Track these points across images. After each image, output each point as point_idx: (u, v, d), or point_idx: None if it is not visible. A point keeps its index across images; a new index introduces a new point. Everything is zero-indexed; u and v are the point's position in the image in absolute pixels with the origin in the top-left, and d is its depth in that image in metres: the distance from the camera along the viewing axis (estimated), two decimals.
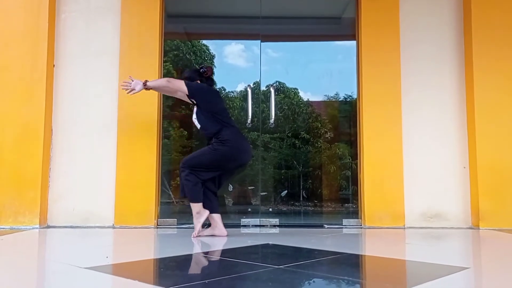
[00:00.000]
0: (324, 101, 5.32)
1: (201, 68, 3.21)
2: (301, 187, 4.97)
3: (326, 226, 3.73)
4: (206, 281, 1.69)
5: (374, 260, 2.27)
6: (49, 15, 3.62)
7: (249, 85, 3.99)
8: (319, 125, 5.23)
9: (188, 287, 1.57)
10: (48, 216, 3.58)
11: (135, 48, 3.70)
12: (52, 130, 3.66)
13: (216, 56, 5.31)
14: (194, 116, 3.15)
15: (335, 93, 5.12)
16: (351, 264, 2.19)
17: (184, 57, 5.18)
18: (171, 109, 4.95)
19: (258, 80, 4.31)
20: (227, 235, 3.00)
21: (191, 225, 3.65)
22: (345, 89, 4.96)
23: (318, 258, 2.27)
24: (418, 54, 3.81)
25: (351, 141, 4.50)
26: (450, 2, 3.89)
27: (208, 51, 5.30)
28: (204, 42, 5.34)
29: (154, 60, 3.69)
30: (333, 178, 5.12)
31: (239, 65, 5.28)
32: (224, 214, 5.03)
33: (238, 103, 5.13)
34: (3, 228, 3.38)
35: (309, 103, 5.23)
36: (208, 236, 3.00)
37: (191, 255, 2.29)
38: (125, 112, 3.64)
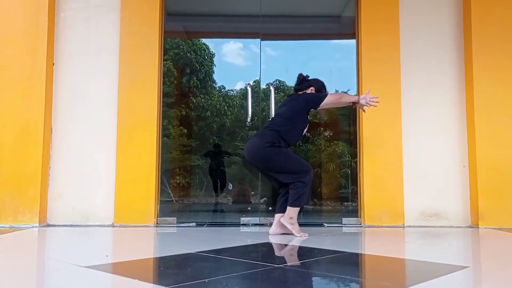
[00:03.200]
0: None
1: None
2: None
3: (325, 225, 3.74)
4: (206, 280, 1.69)
5: (373, 259, 2.27)
6: (48, 14, 3.61)
7: (249, 84, 3.99)
8: (318, 123, 5.23)
9: (188, 286, 1.58)
10: (48, 214, 3.57)
11: (135, 46, 3.69)
12: (51, 128, 3.65)
13: (216, 54, 5.31)
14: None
15: (334, 91, 5.12)
16: (351, 263, 2.19)
17: (184, 55, 5.18)
18: (170, 107, 4.96)
19: (258, 79, 4.31)
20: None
21: (190, 224, 3.66)
22: (344, 87, 4.96)
23: (317, 257, 2.27)
24: (418, 52, 3.81)
25: (351, 139, 4.50)
26: None
27: (208, 49, 5.30)
28: (204, 40, 5.34)
29: (154, 58, 3.68)
30: (333, 177, 5.12)
31: (238, 63, 5.28)
32: (224, 213, 5.05)
33: (238, 102, 5.13)
34: (3, 227, 3.38)
35: None
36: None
37: (191, 254, 2.30)
38: (125, 111, 3.64)
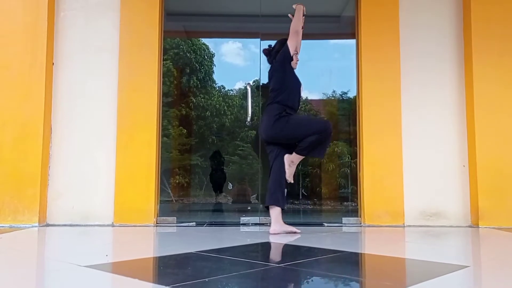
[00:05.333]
0: (323, 99, 5.33)
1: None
2: (300, 186, 4.98)
3: (325, 224, 3.73)
4: (206, 279, 1.68)
5: (373, 258, 2.27)
6: (48, 13, 3.60)
7: (248, 83, 3.98)
8: None
9: (188, 285, 1.57)
10: (48, 214, 3.57)
11: (134, 46, 3.69)
12: (51, 128, 3.65)
13: (215, 54, 5.31)
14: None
15: (334, 91, 5.13)
16: (351, 262, 2.18)
17: (184, 55, 5.18)
18: (170, 106, 4.95)
19: (257, 78, 4.31)
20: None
21: (190, 224, 3.66)
22: (344, 87, 4.97)
23: (317, 257, 2.27)
24: (417, 51, 3.81)
25: (350, 139, 4.51)
26: None
27: (208, 49, 5.31)
28: (204, 40, 5.34)
29: (154, 58, 3.68)
30: (333, 177, 5.13)
31: (238, 63, 5.29)
32: (224, 213, 5.05)
33: (237, 101, 5.13)
34: (2, 227, 3.37)
35: (308, 101, 5.23)
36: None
37: (190, 253, 2.29)
38: (125, 110, 3.63)
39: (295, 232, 3.04)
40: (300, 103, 3.22)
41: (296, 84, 3.16)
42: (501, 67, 3.68)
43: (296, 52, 3.17)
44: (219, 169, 5.12)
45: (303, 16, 3.16)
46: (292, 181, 3.09)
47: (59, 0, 3.76)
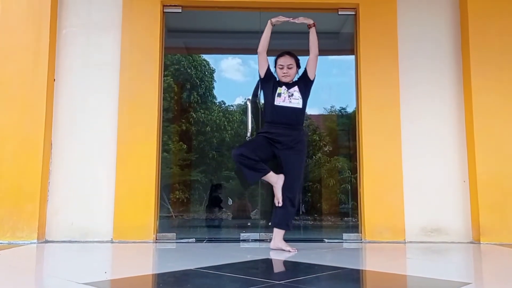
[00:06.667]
0: (322, 114, 5.36)
1: None
2: (300, 201, 4.96)
3: (326, 240, 3.71)
4: None
5: (374, 275, 2.25)
6: (50, 31, 3.64)
7: (248, 99, 4.00)
8: (318, 139, 5.24)
9: None
10: (47, 230, 3.55)
11: (135, 62, 3.71)
12: (51, 144, 3.66)
13: (216, 70, 5.36)
14: (296, 93, 3.18)
15: (333, 106, 5.15)
16: (352, 279, 2.17)
17: (184, 71, 5.22)
18: (170, 122, 4.97)
19: (257, 94, 4.33)
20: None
21: (190, 240, 3.64)
22: (343, 103, 4.99)
23: (318, 273, 2.25)
24: (416, 64, 3.83)
25: (350, 154, 4.51)
26: (447, 12, 3.93)
27: (208, 65, 5.35)
28: (204, 56, 5.39)
29: (155, 74, 3.70)
30: (333, 192, 5.12)
31: (238, 79, 5.34)
32: (224, 229, 5.02)
33: (237, 117, 5.16)
34: (1, 243, 3.35)
35: (307, 117, 5.25)
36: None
37: (190, 270, 2.27)
38: (125, 126, 3.64)
39: (290, 251, 2.99)
40: (282, 114, 3.10)
41: (267, 98, 3.21)
42: (500, 80, 3.69)
43: (281, 67, 3.22)
44: (219, 185, 5.12)
45: (269, 34, 3.29)
46: (279, 205, 3.03)
47: (61, 18, 3.80)
